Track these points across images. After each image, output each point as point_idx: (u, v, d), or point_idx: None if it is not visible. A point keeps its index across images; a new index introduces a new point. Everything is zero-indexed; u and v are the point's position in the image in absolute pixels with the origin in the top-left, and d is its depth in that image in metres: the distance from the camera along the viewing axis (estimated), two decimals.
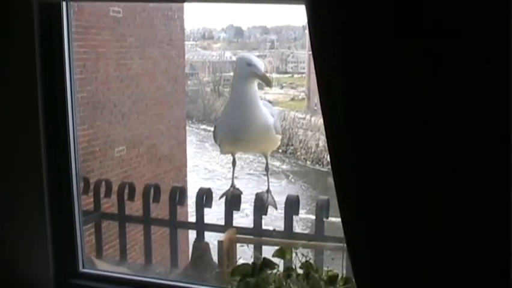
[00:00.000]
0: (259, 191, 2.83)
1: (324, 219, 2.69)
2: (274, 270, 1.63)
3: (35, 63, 1.69)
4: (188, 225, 3.38)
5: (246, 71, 2.47)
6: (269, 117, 2.56)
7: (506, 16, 0.70)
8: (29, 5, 1.65)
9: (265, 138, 2.61)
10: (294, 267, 1.65)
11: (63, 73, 1.74)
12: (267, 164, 2.79)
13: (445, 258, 0.80)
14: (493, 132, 0.76)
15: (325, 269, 1.65)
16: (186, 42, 6.48)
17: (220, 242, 2.57)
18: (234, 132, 2.56)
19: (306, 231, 3.96)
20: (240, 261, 1.75)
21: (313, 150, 6.54)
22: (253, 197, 2.84)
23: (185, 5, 5.55)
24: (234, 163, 2.78)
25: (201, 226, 3.05)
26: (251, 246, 2.59)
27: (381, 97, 0.80)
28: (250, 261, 1.69)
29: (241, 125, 2.53)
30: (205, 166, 6.99)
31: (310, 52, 0.99)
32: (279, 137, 2.66)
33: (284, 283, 1.61)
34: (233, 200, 2.82)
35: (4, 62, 1.72)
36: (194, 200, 3.06)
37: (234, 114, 2.55)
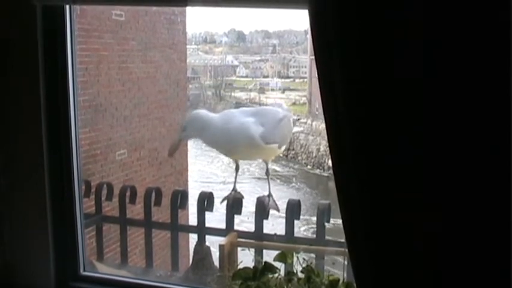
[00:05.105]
0: (261, 195, 2.83)
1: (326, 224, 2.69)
2: (276, 274, 1.63)
3: (38, 65, 1.70)
4: (190, 229, 3.38)
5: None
6: (252, 129, 2.48)
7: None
8: (32, 8, 1.66)
9: (251, 149, 2.57)
10: (295, 271, 1.65)
11: (66, 76, 1.74)
12: (267, 169, 2.79)
13: (446, 263, 0.80)
14: (493, 138, 0.76)
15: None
16: (188, 46, 6.47)
17: (221, 246, 2.57)
18: (217, 147, 2.62)
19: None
20: (241, 265, 1.75)
21: (314, 154, 6.53)
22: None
23: (188, 9, 5.56)
24: (237, 168, 2.79)
25: (202, 230, 3.05)
26: (252, 250, 2.58)
27: (384, 102, 0.80)
28: (252, 265, 1.69)
29: (220, 140, 2.53)
30: (205, 170, 6.98)
31: (312, 57, 1.00)
32: (274, 146, 2.59)
33: (285, 287, 1.61)
34: (234, 204, 2.83)
35: (7, 65, 1.72)
36: (195, 203, 3.06)
37: (213, 130, 2.54)
